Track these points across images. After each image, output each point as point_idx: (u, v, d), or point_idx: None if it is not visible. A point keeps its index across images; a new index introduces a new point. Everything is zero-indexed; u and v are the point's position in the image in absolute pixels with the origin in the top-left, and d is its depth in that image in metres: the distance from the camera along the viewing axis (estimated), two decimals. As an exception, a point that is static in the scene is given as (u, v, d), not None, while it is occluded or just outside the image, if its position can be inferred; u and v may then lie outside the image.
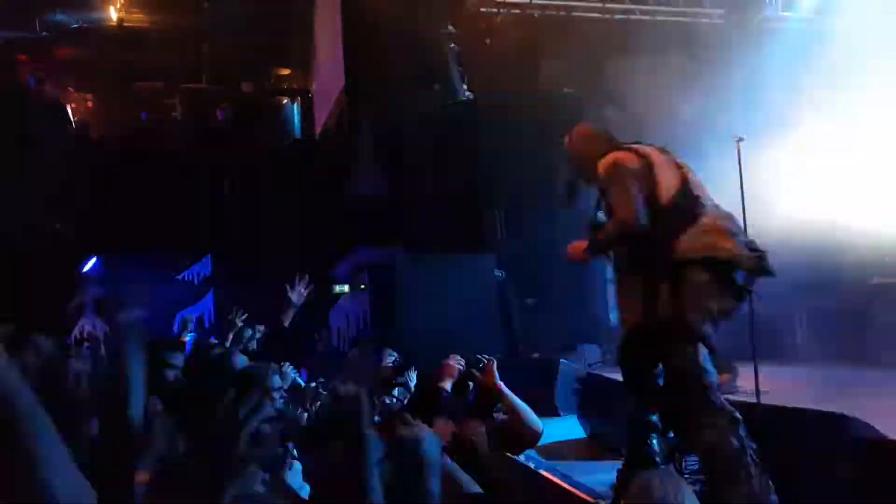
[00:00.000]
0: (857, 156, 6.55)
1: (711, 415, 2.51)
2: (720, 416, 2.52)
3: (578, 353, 7.92)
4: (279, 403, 2.51)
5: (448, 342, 5.61)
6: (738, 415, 2.53)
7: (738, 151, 4.37)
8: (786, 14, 7.89)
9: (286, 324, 3.50)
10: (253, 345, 3.60)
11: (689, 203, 2.81)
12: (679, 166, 2.94)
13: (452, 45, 7.67)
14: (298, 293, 3.55)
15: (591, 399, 4.53)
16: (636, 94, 7.57)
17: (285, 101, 11.78)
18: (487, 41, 7.94)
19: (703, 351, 2.58)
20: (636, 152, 2.96)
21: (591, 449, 3.92)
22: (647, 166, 2.88)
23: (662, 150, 3.04)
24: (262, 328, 3.73)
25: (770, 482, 2.47)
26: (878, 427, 2.62)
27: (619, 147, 3.05)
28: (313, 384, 3.68)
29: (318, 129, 10.52)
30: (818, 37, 7.25)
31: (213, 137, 10.45)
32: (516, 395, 4.84)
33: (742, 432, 2.50)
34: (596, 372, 4.71)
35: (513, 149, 7.30)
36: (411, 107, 7.67)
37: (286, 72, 11.86)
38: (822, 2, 7.48)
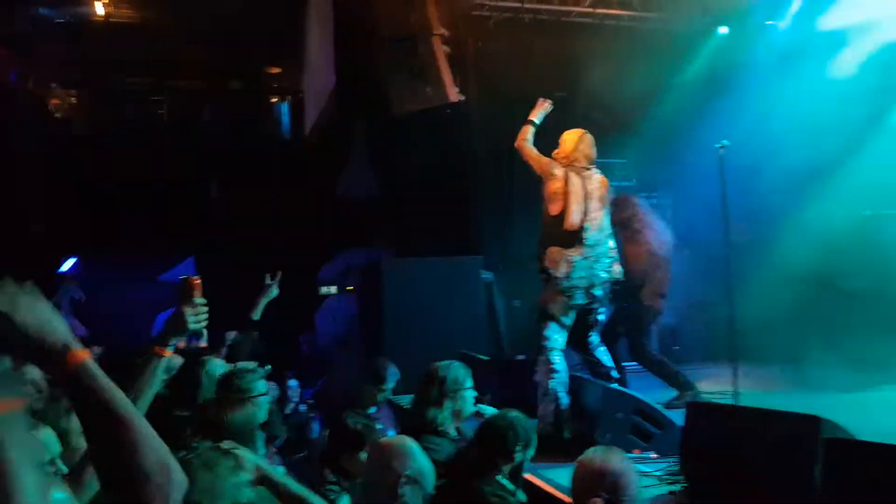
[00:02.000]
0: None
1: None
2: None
3: (567, 356, 7.99)
4: (264, 409, 2.54)
5: (435, 343, 5.69)
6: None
7: (721, 158, 4.48)
8: (771, 22, 8.01)
9: (255, 317, 3.55)
10: (246, 348, 3.60)
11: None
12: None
13: (445, 46, 7.71)
14: (269, 288, 3.63)
15: (573, 400, 4.58)
16: (623, 100, 7.67)
17: (275, 99, 11.74)
18: (479, 44, 7.99)
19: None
20: None
21: (572, 451, 3.96)
22: None
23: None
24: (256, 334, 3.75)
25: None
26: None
27: None
28: (292, 390, 3.70)
29: (308, 129, 10.53)
30: (801, 45, 7.38)
31: (201, 136, 10.42)
32: (502, 394, 4.93)
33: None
34: (577, 374, 4.76)
35: (503, 151, 7.36)
36: (402, 108, 7.71)
37: (277, 70, 11.81)
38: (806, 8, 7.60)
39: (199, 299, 1.89)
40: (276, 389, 3.66)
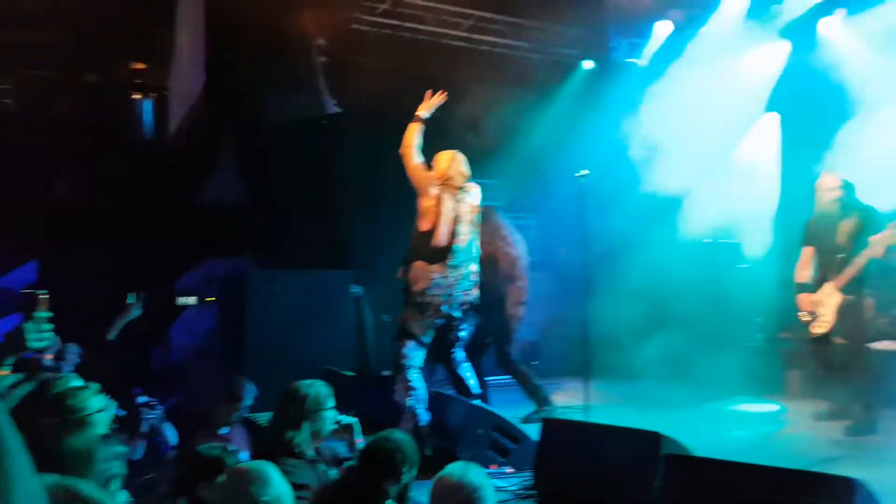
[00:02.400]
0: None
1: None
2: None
3: (431, 371, 8.08)
4: (103, 428, 2.36)
5: (300, 359, 5.57)
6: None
7: (581, 186, 4.74)
8: (630, 60, 8.62)
9: (111, 336, 3.33)
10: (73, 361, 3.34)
11: None
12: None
13: (322, 58, 7.63)
14: (130, 308, 3.42)
15: (435, 417, 4.64)
16: (495, 123, 7.93)
17: (138, 96, 11.08)
18: (358, 57, 7.97)
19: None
20: None
21: (434, 468, 4.00)
22: None
23: None
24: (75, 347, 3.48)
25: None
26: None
27: None
28: (142, 406, 3.48)
29: (173, 130, 10.01)
30: (657, 81, 8.00)
31: (50, 130, 9.61)
32: (368, 411, 4.90)
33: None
34: (440, 391, 4.83)
35: (377, 165, 7.37)
36: (276, 116, 7.53)
37: (141, 66, 11.17)
38: (663, 50, 8.26)
39: (43, 313, 1.74)
40: (115, 407, 3.39)
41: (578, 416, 5.06)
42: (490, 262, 5.62)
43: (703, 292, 6.55)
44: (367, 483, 2.67)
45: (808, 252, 5.59)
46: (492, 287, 5.57)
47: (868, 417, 5.14)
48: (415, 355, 4.66)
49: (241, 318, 5.90)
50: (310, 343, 5.96)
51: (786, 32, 7.63)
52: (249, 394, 3.86)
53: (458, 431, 4.29)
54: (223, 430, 3.70)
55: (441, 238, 4.59)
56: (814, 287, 5.46)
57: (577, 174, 4.82)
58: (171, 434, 3.81)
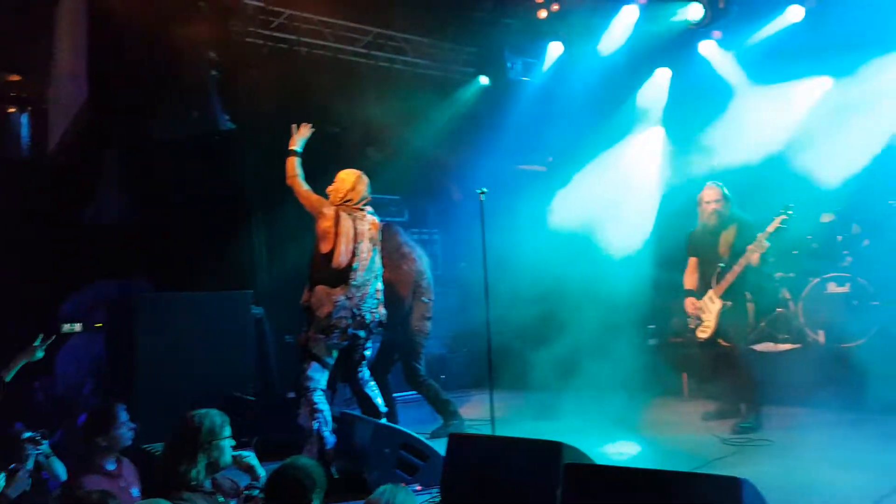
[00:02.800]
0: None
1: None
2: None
3: (337, 392, 7.95)
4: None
5: (197, 385, 5.34)
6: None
7: (482, 203, 4.83)
8: (525, 79, 8.89)
9: (7, 378, 3.09)
10: None
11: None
12: None
13: (214, 71, 7.40)
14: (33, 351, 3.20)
15: (341, 438, 4.57)
16: (396, 138, 7.96)
17: (12, 110, 10.37)
18: (253, 72, 7.79)
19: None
20: None
21: (340, 490, 3.95)
22: None
23: None
24: None
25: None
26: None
27: None
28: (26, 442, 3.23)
29: (53, 147, 9.42)
30: (550, 99, 8.31)
31: None
32: (271, 435, 4.78)
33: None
34: (346, 411, 4.77)
35: (274, 183, 7.21)
36: (165, 132, 7.22)
37: (16, 78, 10.47)
38: (555, 71, 8.57)
39: None
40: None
41: (486, 430, 5.12)
42: (394, 279, 5.62)
43: (597, 299, 6.80)
44: None
45: (693, 262, 5.91)
46: (397, 303, 5.57)
47: (754, 416, 5.48)
48: (319, 377, 4.60)
49: (131, 344, 5.59)
50: (208, 368, 5.72)
51: (668, 53, 8.11)
52: (123, 419, 3.51)
53: (365, 452, 4.24)
54: (109, 466, 3.45)
55: (341, 258, 4.56)
56: (699, 294, 5.78)
57: (477, 191, 4.90)
58: (59, 469, 3.55)
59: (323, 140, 7.71)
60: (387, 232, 5.64)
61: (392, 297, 5.34)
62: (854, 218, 6.70)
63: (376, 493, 2.49)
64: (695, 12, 7.40)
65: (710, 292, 5.67)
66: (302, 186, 4.73)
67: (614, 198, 7.96)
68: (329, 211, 4.64)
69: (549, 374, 6.53)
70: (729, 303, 5.58)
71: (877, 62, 6.63)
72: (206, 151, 7.18)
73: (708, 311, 5.67)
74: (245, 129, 7.36)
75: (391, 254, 5.68)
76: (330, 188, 4.87)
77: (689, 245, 5.97)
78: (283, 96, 7.26)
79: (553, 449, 3.14)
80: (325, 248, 4.57)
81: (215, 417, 2.94)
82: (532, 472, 3.14)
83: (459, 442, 3.69)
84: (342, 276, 4.55)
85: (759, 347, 6.72)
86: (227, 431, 2.96)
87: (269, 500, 2.68)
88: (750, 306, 6.96)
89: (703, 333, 5.70)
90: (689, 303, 5.82)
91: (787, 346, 6.65)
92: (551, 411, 6.30)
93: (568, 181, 7.95)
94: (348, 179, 4.83)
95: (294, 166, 4.77)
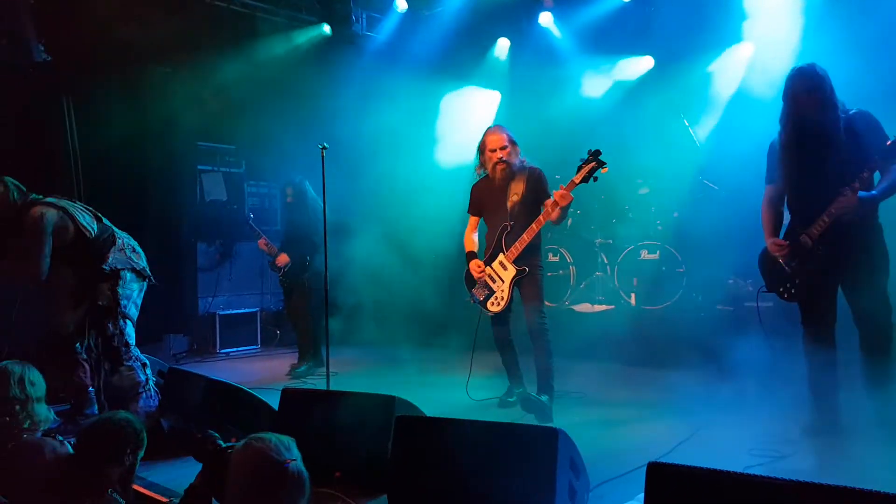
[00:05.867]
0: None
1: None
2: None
3: (165, 344, 7.60)
4: None
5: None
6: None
7: (322, 158, 4.78)
8: (369, 34, 8.78)
9: None
10: None
11: (105, 232, 4.55)
12: (87, 209, 4.56)
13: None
14: None
15: (171, 395, 4.42)
16: (234, 85, 7.58)
17: None
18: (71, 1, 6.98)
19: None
20: (54, 205, 4.31)
21: (170, 447, 3.83)
22: (67, 214, 4.34)
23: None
24: None
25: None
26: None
27: (37, 202, 4.30)
28: None
29: None
30: (394, 55, 8.29)
31: None
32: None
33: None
34: (177, 366, 4.61)
35: (94, 124, 6.64)
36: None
37: None
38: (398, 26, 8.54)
39: None
40: None
41: (322, 385, 5.13)
42: None
43: (422, 265, 7.02)
44: (87, 470, 2.46)
45: (473, 220, 5.02)
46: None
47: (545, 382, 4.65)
48: (132, 333, 4.64)
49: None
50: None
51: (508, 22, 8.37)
52: None
53: (196, 407, 4.13)
54: None
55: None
56: (485, 259, 4.86)
57: (318, 146, 4.83)
58: None
59: (155, 79, 7.22)
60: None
61: None
62: (669, 193, 7.10)
63: (246, 440, 2.24)
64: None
65: (501, 257, 4.73)
66: None
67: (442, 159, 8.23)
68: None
69: (387, 331, 6.69)
70: (525, 268, 4.65)
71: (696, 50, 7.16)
72: (18, 84, 6.40)
73: (499, 280, 4.75)
74: (62, 61, 6.65)
75: None
76: None
77: (470, 201, 5.02)
78: (107, 28, 6.58)
79: (387, 402, 3.25)
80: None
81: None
82: (366, 425, 3.25)
83: (292, 396, 3.71)
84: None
85: (578, 308, 7.19)
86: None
87: (81, 452, 2.53)
88: (571, 269, 7.48)
89: (495, 307, 4.74)
90: (475, 266, 4.84)
91: (603, 308, 7.13)
92: (390, 366, 6.49)
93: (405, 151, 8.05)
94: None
95: None
